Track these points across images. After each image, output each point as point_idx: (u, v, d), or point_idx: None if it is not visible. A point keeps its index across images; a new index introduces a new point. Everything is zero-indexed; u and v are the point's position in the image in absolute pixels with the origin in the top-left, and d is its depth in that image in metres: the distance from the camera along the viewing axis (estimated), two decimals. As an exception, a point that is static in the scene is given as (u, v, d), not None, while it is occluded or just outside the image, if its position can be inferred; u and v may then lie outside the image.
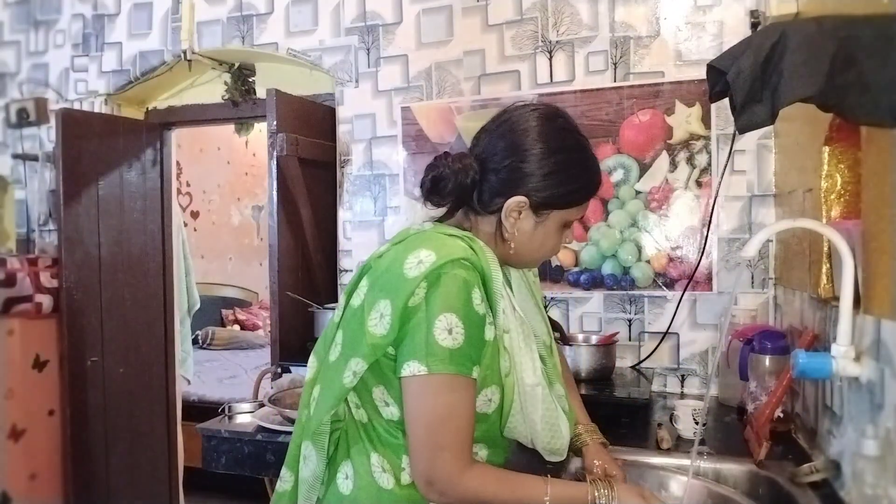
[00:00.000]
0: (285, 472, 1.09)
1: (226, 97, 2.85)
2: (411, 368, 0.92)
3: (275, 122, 2.38)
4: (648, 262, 2.15)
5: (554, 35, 2.24)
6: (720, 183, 2.01)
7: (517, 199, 1.00)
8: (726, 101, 0.99)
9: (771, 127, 1.41)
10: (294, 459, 1.08)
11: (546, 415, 1.04)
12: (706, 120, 2.07)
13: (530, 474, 1.00)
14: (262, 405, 1.99)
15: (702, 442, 1.51)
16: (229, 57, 2.80)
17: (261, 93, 2.81)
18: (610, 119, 2.17)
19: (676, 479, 1.30)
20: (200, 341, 5.22)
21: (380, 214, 2.50)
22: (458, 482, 0.93)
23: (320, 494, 1.05)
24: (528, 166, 1.00)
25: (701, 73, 1.21)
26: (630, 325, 2.17)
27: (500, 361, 1.00)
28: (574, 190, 1.03)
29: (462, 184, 1.02)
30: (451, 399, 0.93)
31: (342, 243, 2.56)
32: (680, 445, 1.52)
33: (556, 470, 1.35)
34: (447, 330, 0.91)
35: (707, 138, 2.08)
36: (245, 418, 1.97)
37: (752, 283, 2.04)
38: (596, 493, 0.99)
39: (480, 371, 0.97)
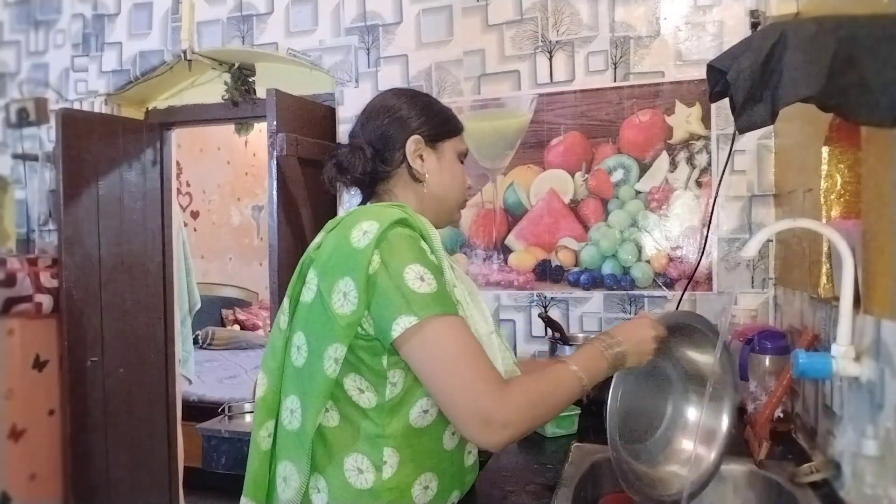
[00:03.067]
0: None
1: (226, 97, 2.85)
2: (401, 324, 0.91)
3: (275, 122, 2.38)
4: (648, 262, 2.15)
5: (554, 35, 2.24)
6: (720, 183, 2.01)
7: (413, 139, 1.11)
8: (726, 101, 0.99)
9: (771, 127, 1.41)
10: (259, 487, 1.04)
11: (505, 363, 1.07)
12: (706, 120, 2.07)
13: (550, 365, 1.04)
14: (262, 405, 1.99)
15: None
16: (229, 57, 2.80)
17: (261, 93, 2.80)
18: (610, 119, 2.17)
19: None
20: (200, 341, 5.22)
21: (380, 214, 2.49)
22: (506, 403, 0.90)
23: None
24: (403, 112, 1.12)
25: (701, 73, 1.22)
26: (630, 325, 2.17)
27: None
28: (448, 118, 1.17)
29: (363, 160, 1.10)
30: (452, 336, 0.92)
31: (342, 243, 2.56)
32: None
33: (557, 461, 1.35)
34: (419, 278, 0.93)
35: (707, 138, 2.08)
36: (245, 418, 1.98)
37: (752, 283, 2.04)
38: (602, 345, 1.04)
39: None
